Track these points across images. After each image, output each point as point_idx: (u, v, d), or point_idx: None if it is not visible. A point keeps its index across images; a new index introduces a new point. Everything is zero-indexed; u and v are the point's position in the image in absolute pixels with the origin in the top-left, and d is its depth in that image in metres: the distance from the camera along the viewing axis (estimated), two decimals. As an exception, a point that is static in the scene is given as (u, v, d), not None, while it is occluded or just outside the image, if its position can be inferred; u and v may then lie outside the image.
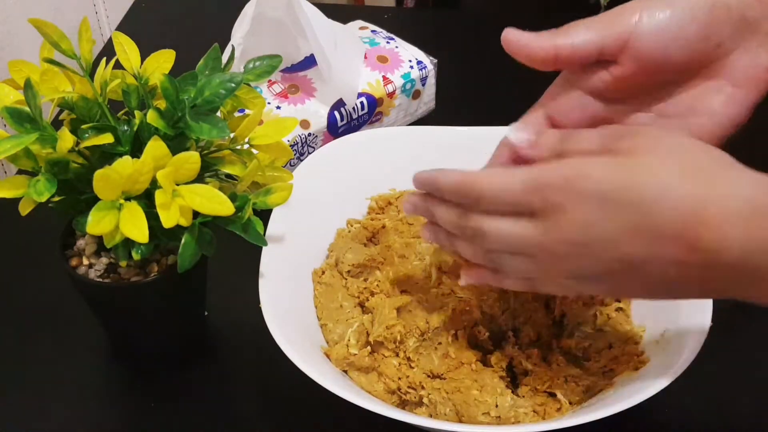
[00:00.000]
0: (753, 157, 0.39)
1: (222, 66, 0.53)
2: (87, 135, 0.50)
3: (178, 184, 0.48)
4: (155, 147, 0.47)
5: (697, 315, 0.50)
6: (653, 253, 0.38)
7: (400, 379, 0.53)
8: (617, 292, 0.46)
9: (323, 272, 0.60)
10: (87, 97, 0.50)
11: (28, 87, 0.47)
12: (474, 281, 0.48)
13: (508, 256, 0.43)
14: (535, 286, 0.45)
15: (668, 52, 0.43)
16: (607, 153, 0.40)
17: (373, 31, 0.82)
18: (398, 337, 0.54)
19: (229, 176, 0.54)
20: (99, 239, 0.53)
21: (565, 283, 0.43)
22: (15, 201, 0.50)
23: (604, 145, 0.40)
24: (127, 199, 0.47)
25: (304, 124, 0.72)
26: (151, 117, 0.48)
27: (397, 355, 0.54)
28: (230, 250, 0.53)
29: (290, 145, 0.71)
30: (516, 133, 0.46)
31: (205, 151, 0.53)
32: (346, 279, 0.59)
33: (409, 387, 0.53)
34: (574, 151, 0.42)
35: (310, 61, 0.76)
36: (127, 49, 0.52)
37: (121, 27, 0.97)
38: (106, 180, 0.45)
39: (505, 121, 0.48)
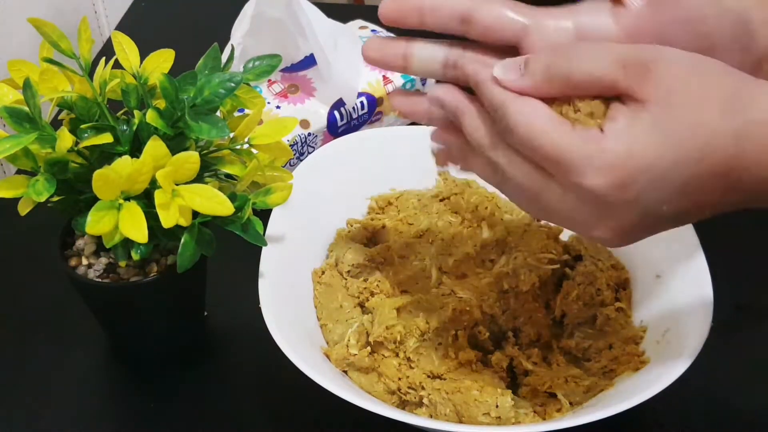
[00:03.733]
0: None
1: (221, 65, 0.53)
2: (86, 135, 0.49)
3: (177, 184, 0.48)
4: (154, 147, 0.47)
5: (697, 315, 0.50)
6: (696, 200, 0.38)
7: (400, 379, 0.53)
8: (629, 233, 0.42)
9: (323, 272, 0.60)
10: (86, 97, 0.50)
11: (27, 87, 0.47)
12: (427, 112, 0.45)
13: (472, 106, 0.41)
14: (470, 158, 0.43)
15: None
16: (630, 100, 0.37)
17: (373, 30, 0.82)
18: (398, 338, 0.54)
19: (228, 176, 0.54)
20: (98, 239, 0.53)
21: (578, 215, 0.40)
22: (14, 201, 0.50)
23: (627, 86, 0.37)
24: (127, 199, 0.47)
25: (304, 123, 0.72)
26: (151, 117, 0.48)
27: (397, 355, 0.54)
28: (230, 250, 0.53)
29: (290, 145, 0.70)
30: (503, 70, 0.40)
31: (205, 151, 0.53)
32: (346, 279, 0.59)
33: (409, 387, 0.53)
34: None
35: (310, 61, 0.76)
36: (126, 49, 0.52)
37: (121, 27, 0.97)
38: (106, 180, 0.45)
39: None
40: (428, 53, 0.43)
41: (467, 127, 0.41)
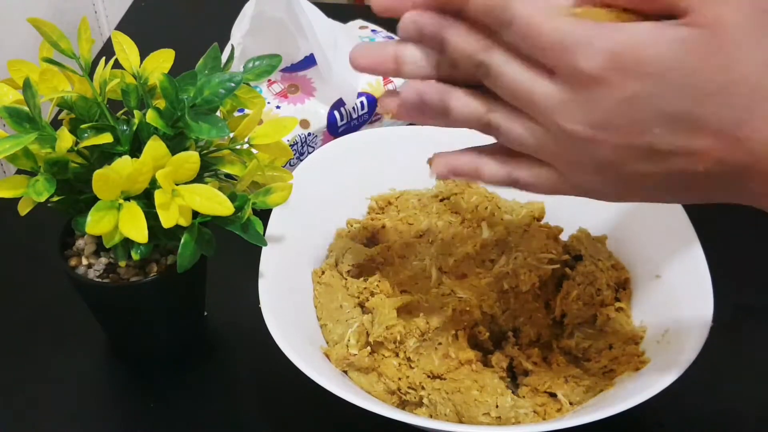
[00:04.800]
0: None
1: (221, 65, 0.53)
2: (86, 135, 0.49)
3: (177, 184, 0.48)
4: (154, 147, 0.47)
5: (697, 315, 0.50)
6: (684, 146, 0.35)
7: (400, 379, 0.53)
8: (620, 188, 0.40)
9: (323, 272, 0.60)
10: (86, 97, 0.50)
11: (27, 86, 0.47)
12: (448, 171, 0.43)
13: (516, 119, 0.39)
14: (518, 169, 0.41)
15: None
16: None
17: (373, 30, 0.82)
18: (398, 338, 0.54)
19: (228, 176, 0.54)
20: (98, 239, 0.53)
21: (568, 172, 0.39)
22: (14, 201, 0.50)
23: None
24: (127, 199, 0.47)
25: (304, 123, 0.72)
26: (151, 117, 0.48)
27: (397, 355, 0.54)
28: (230, 250, 0.53)
29: (290, 145, 0.70)
30: None
31: (205, 151, 0.53)
32: (345, 279, 0.59)
33: (409, 387, 0.53)
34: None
35: (310, 61, 0.76)
36: (126, 49, 0.52)
37: (121, 26, 0.97)
38: (106, 180, 0.45)
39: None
40: (421, 53, 0.41)
41: (454, 37, 0.38)
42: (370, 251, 0.60)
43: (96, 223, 0.45)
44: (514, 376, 0.55)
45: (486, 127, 0.41)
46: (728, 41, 0.34)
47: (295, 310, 0.56)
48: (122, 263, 0.52)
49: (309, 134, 0.72)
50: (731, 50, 0.34)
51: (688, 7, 0.34)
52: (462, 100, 0.41)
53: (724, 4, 0.34)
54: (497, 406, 0.50)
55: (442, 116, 0.42)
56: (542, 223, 0.61)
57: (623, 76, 0.34)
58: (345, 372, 0.54)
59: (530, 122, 0.39)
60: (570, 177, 0.40)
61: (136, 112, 0.50)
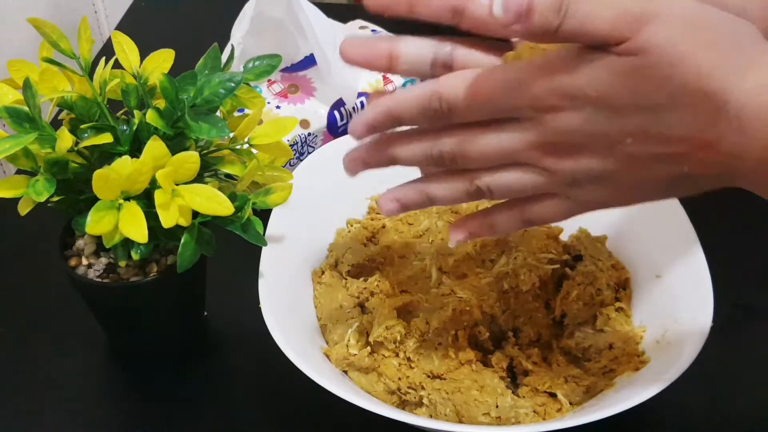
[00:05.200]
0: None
1: (221, 66, 0.53)
2: (86, 135, 0.49)
3: (177, 184, 0.48)
4: (154, 147, 0.47)
5: (697, 315, 0.50)
6: (661, 153, 0.37)
7: (400, 379, 0.53)
8: (621, 195, 0.41)
9: (323, 272, 0.60)
10: (86, 97, 0.50)
11: (27, 86, 0.47)
12: (465, 236, 0.44)
13: (502, 174, 0.40)
14: (527, 209, 0.42)
15: None
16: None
17: (373, 30, 0.82)
18: (398, 338, 0.54)
19: (228, 176, 0.54)
20: (98, 239, 0.53)
21: (572, 194, 0.40)
22: (14, 201, 0.50)
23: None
24: (127, 199, 0.47)
25: (304, 123, 0.72)
26: (151, 117, 0.48)
27: (397, 355, 0.54)
28: (230, 251, 0.53)
29: (290, 145, 0.70)
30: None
31: (205, 151, 0.53)
32: (345, 279, 0.59)
33: (409, 387, 0.53)
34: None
35: (309, 61, 0.76)
36: (126, 49, 0.52)
37: (121, 27, 0.97)
38: (106, 180, 0.45)
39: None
40: (416, 51, 0.41)
41: (403, 155, 0.42)
42: (370, 251, 0.60)
43: (96, 223, 0.45)
44: (514, 376, 0.55)
45: (477, 195, 0.42)
46: (663, 59, 0.35)
47: (295, 310, 0.56)
48: (122, 263, 0.52)
49: (309, 134, 0.72)
50: (667, 67, 0.35)
51: (620, 37, 0.35)
52: (442, 187, 0.42)
53: (655, 28, 0.35)
54: (497, 406, 0.50)
55: (431, 205, 0.43)
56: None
57: (572, 101, 0.36)
58: (345, 372, 0.54)
59: (515, 169, 0.40)
60: (576, 197, 0.41)
61: (136, 112, 0.50)
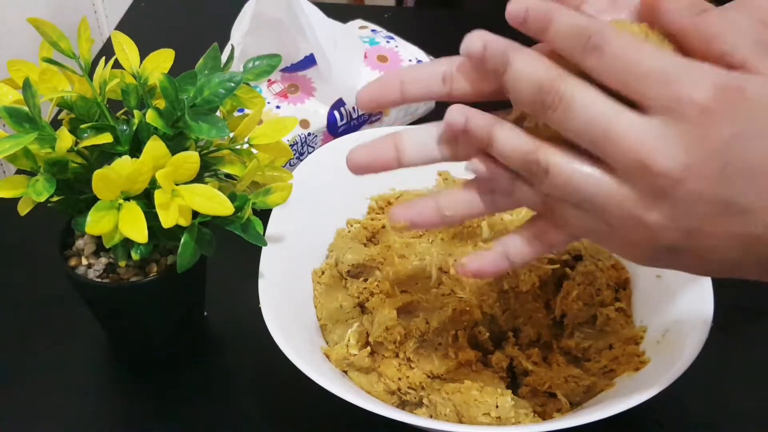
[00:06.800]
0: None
1: (221, 65, 0.53)
2: (86, 135, 0.49)
3: (177, 184, 0.48)
4: (154, 147, 0.47)
5: (697, 315, 0.50)
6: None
7: (400, 379, 0.53)
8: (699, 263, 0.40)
9: (323, 272, 0.60)
10: (86, 97, 0.50)
11: (27, 86, 0.47)
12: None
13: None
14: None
15: None
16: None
17: (373, 30, 0.82)
18: (398, 338, 0.54)
19: (228, 176, 0.54)
20: (98, 239, 0.53)
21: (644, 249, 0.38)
22: (14, 201, 0.50)
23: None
24: (127, 199, 0.47)
25: (304, 123, 0.72)
26: (151, 117, 0.48)
27: (397, 355, 0.54)
28: (230, 251, 0.53)
29: (290, 145, 0.70)
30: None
31: (205, 151, 0.53)
32: (345, 279, 0.59)
33: (409, 387, 0.53)
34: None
35: (309, 61, 0.76)
36: (126, 49, 0.52)
37: (121, 26, 0.97)
38: (105, 180, 0.45)
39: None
40: (421, 138, 0.41)
41: (523, 66, 0.35)
42: (370, 251, 0.60)
43: (96, 223, 0.45)
44: (514, 376, 0.55)
45: (547, 213, 0.39)
46: None
47: (295, 310, 0.56)
48: (122, 263, 0.52)
49: (309, 134, 0.72)
50: None
51: (744, 59, 0.33)
52: (521, 189, 0.39)
53: None
54: (497, 406, 0.50)
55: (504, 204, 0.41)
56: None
57: (731, 110, 0.32)
58: (345, 372, 0.54)
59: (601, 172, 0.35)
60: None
61: (136, 112, 0.50)
